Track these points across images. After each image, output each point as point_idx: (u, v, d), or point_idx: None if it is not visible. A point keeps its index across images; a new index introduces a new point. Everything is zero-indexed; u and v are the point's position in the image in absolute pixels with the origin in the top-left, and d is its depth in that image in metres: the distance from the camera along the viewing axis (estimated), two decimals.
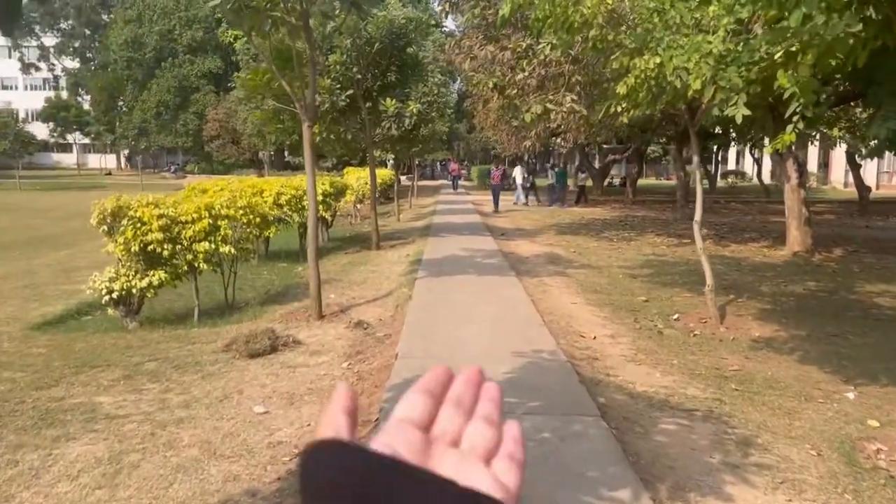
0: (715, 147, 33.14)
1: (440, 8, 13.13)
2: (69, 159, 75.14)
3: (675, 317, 7.74)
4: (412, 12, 12.42)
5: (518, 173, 27.13)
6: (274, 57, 7.56)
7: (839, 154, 36.01)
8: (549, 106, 12.75)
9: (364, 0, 7.12)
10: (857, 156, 20.45)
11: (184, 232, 7.40)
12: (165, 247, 7.17)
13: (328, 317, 7.50)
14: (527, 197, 26.88)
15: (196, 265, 7.55)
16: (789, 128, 5.30)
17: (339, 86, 11.69)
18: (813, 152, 41.39)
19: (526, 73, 12.83)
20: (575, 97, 12.77)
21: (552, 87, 13.72)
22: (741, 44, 6.15)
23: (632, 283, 9.87)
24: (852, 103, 12.80)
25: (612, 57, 7.18)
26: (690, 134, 8.06)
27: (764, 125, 13.46)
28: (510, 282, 9.26)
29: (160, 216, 7.18)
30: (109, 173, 58.57)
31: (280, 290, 9.56)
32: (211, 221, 7.64)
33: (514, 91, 14.02)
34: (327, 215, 12.75)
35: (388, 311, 7.81)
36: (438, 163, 61.76)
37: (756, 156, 32.16)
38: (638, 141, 25.87)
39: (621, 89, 7.05)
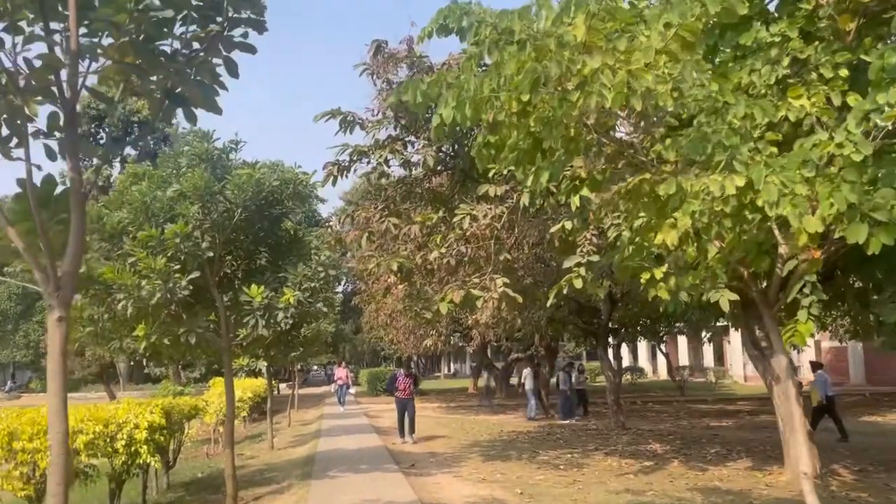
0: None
1: (325, 171, 10.11)
2: None
3: None
4: (289, 169, 9.27)
5: (528, 377, 20.75)
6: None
7: (735, 345, 35.21)
8: (475, 292, 9.60)
9: (198, 100, 3.86)
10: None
11: None
12: None
13: None
14: (537, 408, 20.61)
15: None
16: (802, 314, 5.05)
17: (177, 267, 8.02)
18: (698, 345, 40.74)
19: (443, 251, 9.76)
20: (506, 279, 9.74)
21: (471, 269, 10.72)
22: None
23: None
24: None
25: (639, 178, 4.14)
26: (766, 317, 4.95)
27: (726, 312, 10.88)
28: None
29: None
30: None
31: None
32: None
33: (425, 273, 10.89)
34: (154, 462, 8.42)
35: None
36: (324, 367, 57.01)
37: (665, 350, 30.36)
38: (548, 337, 23.19)
39: (668, 236, 3.91)
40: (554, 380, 22.65)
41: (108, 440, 7.95)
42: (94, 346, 10.90)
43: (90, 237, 8.61)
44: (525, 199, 9.30)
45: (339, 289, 41.86)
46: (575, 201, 8.38)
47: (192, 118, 4.03)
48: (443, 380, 56.27)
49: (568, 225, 9.21)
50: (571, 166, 5.97)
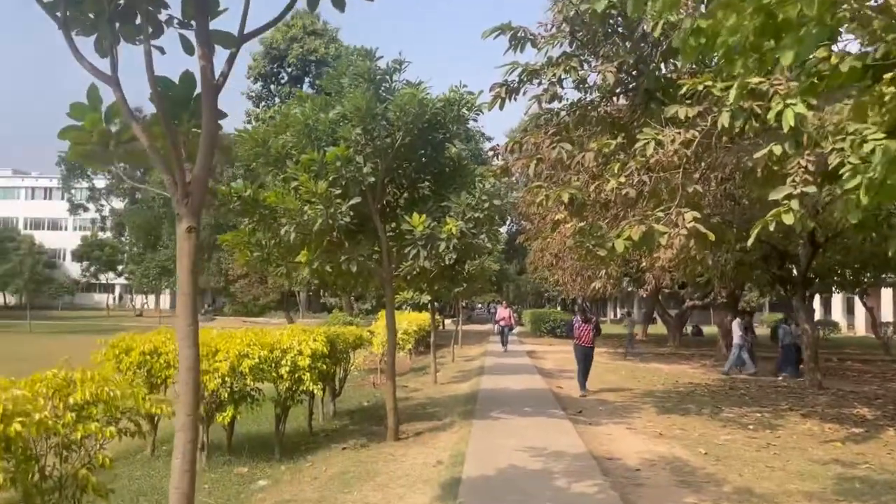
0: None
1: (493, 93, 9.27)
2: (112, 300, 73.80)
3: None
4: (453, 89, 8.56)
5: (737, 328, 18.23)
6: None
7: None
8: (658, 227, 8.46)
9: None
10: None
11: None
12: None
13: None
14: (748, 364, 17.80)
15: None
16: None
17: (338, 192, 7.66)
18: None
19: (621, 181, 8.67)
20: (697, 214, 8.48)
21: (651, 203, 9.53)
22: None
23: None
24: None
25: None
26: None
27: None
28: None
29: None
30: (140, 314, 55.92)
31: None
32: None
33: (599, 207, 9.88)
34: (316, 389, 8.33)
35: None
36: (488, 305, 57.37)
37: (868, 304, 26.91)
38: (731, 285, 21.17)
39: None
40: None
41: (272, 365, 7.92)
42: (262, 271, 11.08)
43: (256, 162, 8.51)
44: (724, 120, 7.90)
45: (504, 229, 41.43)
46: (788, 119, 6.98)
47: (339, 4, 3.36)
48: (609, 325, 54.67)
49: (777, 150, 7.75)
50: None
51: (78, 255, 64.46)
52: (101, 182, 66.92)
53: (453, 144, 9.27)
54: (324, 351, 8.35)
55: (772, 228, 7.27)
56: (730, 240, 12.94)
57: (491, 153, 10.99)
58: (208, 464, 7.70)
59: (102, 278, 65.64)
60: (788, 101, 6.96)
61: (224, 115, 3.52)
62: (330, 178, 7.67)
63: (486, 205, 8.45)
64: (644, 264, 18.15)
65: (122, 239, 64.06)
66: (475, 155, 31.05)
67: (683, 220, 8.24)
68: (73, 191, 68.16)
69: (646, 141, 8.73)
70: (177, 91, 3.41)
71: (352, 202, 7.66)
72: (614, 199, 9.49)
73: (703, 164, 9.95)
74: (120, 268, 62.35)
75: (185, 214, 3.06)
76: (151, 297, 67.81)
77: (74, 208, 68.23)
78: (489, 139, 40.05)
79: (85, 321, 42.02)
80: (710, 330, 42.28)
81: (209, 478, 7.28)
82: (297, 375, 8.03)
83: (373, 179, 8.05)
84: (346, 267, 8.07)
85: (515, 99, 9.70)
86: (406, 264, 8.93)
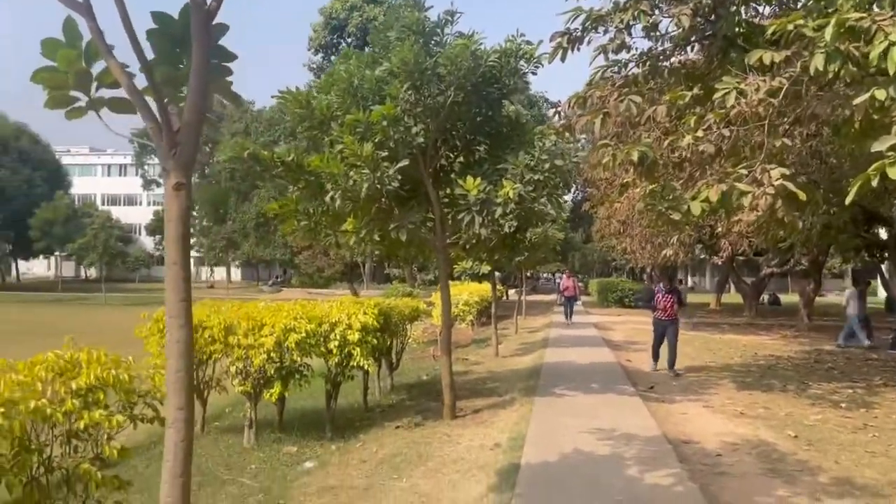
0: None
1: (553, 43, 8.48)
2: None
3: None
4: (509, 39, 7.83)
5: (852, 299, 16.57)
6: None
7: None
8: (741, 186, 7.59)
9: None
10: None
11: None
12: None
13: None
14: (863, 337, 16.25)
15: None
16: None
17: (385, 155, 7.09)
18: None
19: (698, 135, 7.80)
20: (785, 171, 7.55)
21: (730, 162, 8.63)
22: None
23: None
24: None
25: None
26: None
27: None
28: None
29: None
30: (212, 286, 57.35)
31: None
32: None
33: (672, 166, 9.02)
34: (368, 364, 7.86)
35: None
36: (553, 275, 56.29)
37: None
38: (816, 250, 19.76)
39: None
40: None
41: (321, 340, 7.51)
42: (311, 240, 10.68)
43: (301, 125, 8.01)
44: (818, 63, 6.91)
45: (569, 196, 40.17)
46: (893, 59, 6.07)
47: None
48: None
49: (880, 94, 6.75)
50: None
51: (150, 230, 66.55)
52: None
53: (510, 101, 8.56)
54: (374, 324, 7.88)
55: (874, 184, 6.35)
56: (817, 201, 11.82)
57: (552, 112, 10.20)
58: (257, 441, 7.39)
59: None
60: (894, 39, 6.03)
61: (232, 57, 2.98)
62: (376, 140, 7.11)
63: (547, 165, 7.74)
64: (720, 230, 17.03)
65: (193, 213, 65.74)
66: (539, 122, 30.02)
67: (769, 177, 7.34)
68: (145, 167, 70.24)
69: (726, 90, 7.80)
70: (176, 28, 2.88)
71: (400, 165, 7.08)
72: (689, 157, 8.64)
73: (789, 116, 8.96)
74: (191, 241, 64.11)
75: (173, 168, 2.53)
76: (234, 270, 69.71)
77: (147, 184, 70.35)
78: (554, 105, 38.77)
79: (158, 293, 43.18)
80: (787, 299, 40.35)
81: (257, 457, 6.96)
82: (346, 350, 7.61)
83: (422, 140, 7.45)
84: (396, 235, 7.52)
85: (578, 49, 8.88)
86: (461, 232, 8.34)
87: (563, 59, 9.06)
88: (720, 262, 23.58)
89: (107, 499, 3.56)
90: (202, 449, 7.26)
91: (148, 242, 70.79)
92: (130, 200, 79.13)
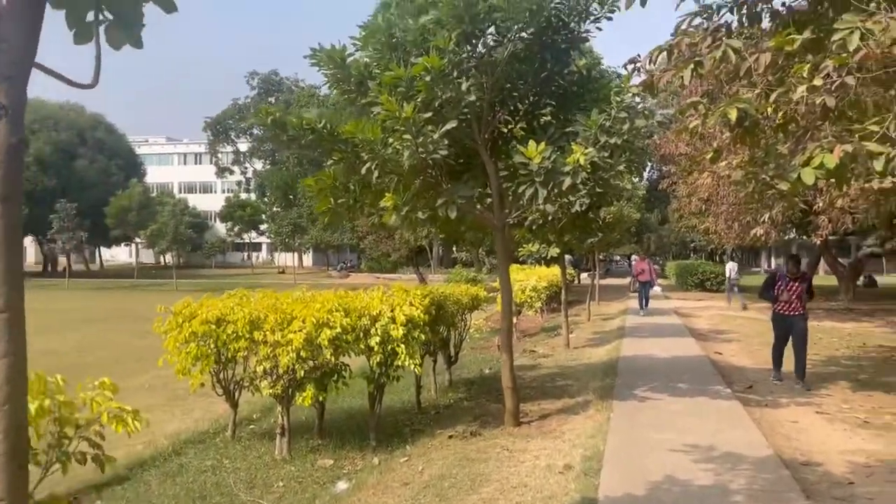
0: None
1: None
2: (260, 258, 78.02)
3: None
4: None
5: None
6: None
7: None
8: (871, 147, 6.06)
9: None
10: None
11: None
12: None
13: None
14: None
15: None
16: None
17: (428, 117, 5.94)
18: None
19: (816, 84, 6.31)
20: None
21: (844, 120, 7.07)
22: None
23: None
24: None
25: None
26: None
27: None
28: None
29: None
30: (282, 271, 57.77)
31: None
32: None
33: (778, 125, 7.53)
34: (414, 365, 6.76)
35: None
36: (628, 258, 53.98)
37: None
38: None
39: None
40: None
41: (359, 335, 6.47)
42: (348, 220, 9.63)
43: (337, 87, 6.93)
44: None
45: (645, 175, 37.97)
46: None
47: None
48: (762, 276, 49.91)
49: None
50: None
51: (222, 216, 67.64)
52: (244, 145, 69.54)
53: (581, 53, 7.25)
54: (423, 318, 6.77)
55: None
56: None
57: (630, 67, 8.80)
58: (290, 451, 6.45)
59: (246, 237, 68.78)
60: None
61: None
62: (419, 99, 5.97)
63: (626, 126, 6.42)
64: (819, 204, 15.11)
65: (265, 199, 66.45)
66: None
67: None
68: (219, 155, 71.43)
69: (849, 30, 6.30)
70: None
71: (446, 128, 5.91)
72: (799, 115, 7.14)
73: None
74: (263, 227, 65.02)
75: None
76: (304, 256, 70.43)
77: (221, 171, 71.56)
78: (632, 61, 36.14)
79: (229, 279, 43.60)
80: (884, 280, 37.20)
81: (287, 472, 6.01)
82: (390, 348, 6.56)
83: (475, 99, 6.25)
84: (444, 213, 6.38)
85: None
86: (524, 210, 7.13)
87: (643, 4, 7.68)
88: (818, 242, 21.35)
89: None
90: (228, 461, 6.38)
91: (222, 229, 72.16)
92: (205, 188, 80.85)
